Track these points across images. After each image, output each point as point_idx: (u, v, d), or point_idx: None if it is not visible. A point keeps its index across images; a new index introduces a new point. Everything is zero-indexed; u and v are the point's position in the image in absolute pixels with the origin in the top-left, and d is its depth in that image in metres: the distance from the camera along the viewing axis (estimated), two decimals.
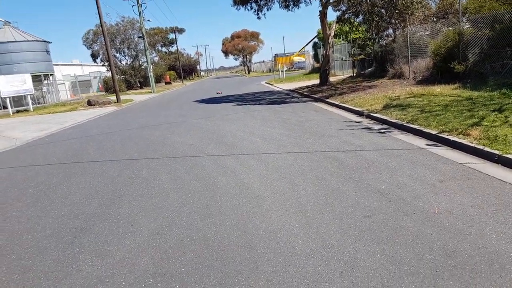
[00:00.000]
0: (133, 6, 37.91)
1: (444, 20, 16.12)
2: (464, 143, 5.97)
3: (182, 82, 61.33)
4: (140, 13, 36.67)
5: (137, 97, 31.02)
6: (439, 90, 11.61)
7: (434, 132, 6.86)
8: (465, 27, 13.40)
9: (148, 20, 59.67)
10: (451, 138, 6.33)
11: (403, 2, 13.99)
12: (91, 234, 4.24)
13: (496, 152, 5.27)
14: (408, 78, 15.83)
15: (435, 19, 16.99)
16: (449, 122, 7.16)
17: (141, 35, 38.92)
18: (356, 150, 6.61)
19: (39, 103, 29.84)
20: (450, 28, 14.41)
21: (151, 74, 37.31)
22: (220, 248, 3.57)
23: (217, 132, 10.03)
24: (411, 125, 7.67)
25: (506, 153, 5.13)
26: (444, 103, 9.19)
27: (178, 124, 12.46)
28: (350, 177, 5.21)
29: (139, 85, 47.25)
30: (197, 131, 10.65)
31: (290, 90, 21.71)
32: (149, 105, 23.13)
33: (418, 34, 17.08)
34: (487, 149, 5.47)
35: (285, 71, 41.02)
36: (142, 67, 47.36)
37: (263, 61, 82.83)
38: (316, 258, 3.21)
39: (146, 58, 38.04)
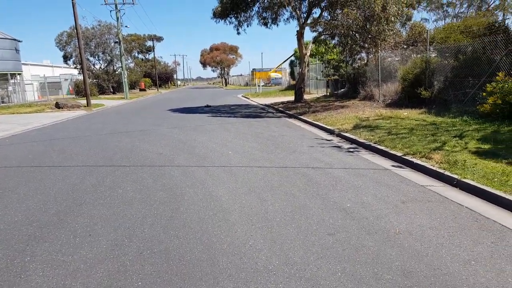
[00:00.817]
0: (111, 11, 37.43)
1: (413, 47, 16.83)
2: (426, 166, 6.17)
3: (157, 90, 60.65)
4: (118, 18, 36.27)
5: (109, 102, 30.38)
6: (406, 113, 12.02)
7: (399, 154, 7.07)
8: (432, 55, 14.02)
9: (126, 26, 58.80)
10: (415, 160, 6.53)
11: (376, 28, 14.50)
12: (45, 243, 4.06)
13: (455, 176, 5.47)
14: (378, 101, 16.32)
15: (405, 46, 17.70)
16: (414, 145, 7.39)
17: (117, 40, 38.40)
18: (325, 168, 6.70)
19: (3, 102, 28.72)
20: (419, 56, 15.06)
21: (125, 80, 36.75)
22: (181, 262, 3.50)
23: (189, 143, 9.94)
24: (378, 146, 7.87)
25: (464, 177, 5.34)
26: (410, 127, 9.52)
27: (149, 132, 12.27)
28: (317, 194, 5.26)
29: (112, 90, 46.38)
30: (168, 140, 10.51)
31: (265, 105, 21.89)
32: (121, 111, 22.70)
33: (389, 59, 17.73)
34: (447, 173, 5.68)
35: (262, 86, 41.43)
36: (117, 72, 46.58)
37: (241, 75, 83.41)
38: (278, 275, 3.20)
39: (121, 64, 37.51)
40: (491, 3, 25.87)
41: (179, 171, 6.96)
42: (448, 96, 12.55)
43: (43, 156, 9.03)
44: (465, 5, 27.25)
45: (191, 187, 5.87)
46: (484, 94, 9.83)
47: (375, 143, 8.15)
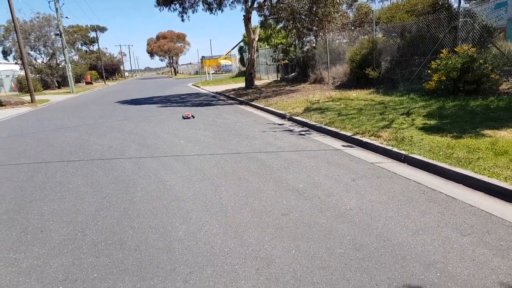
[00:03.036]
0: (49, 2, 35.11)
1: (360, 28, 17.29)
2: (375, 144, 6.44)
3: (104, 83, 58.21)
4: (57, 9, 34.09)
5: (54, 97, 28.78)
6: (355, 94, 12.42)
7: (349, 134, 7.31)
8: (379, 35, 14.48)
9: (66, 17, 55.83)
10: (364, 139, 6.79)
11: (323, 10, 14.73)
12: None
13: (403, 152, 5.75)
14: (328, 83, 16.71)
15: (352, 28, 18.17)
16: (363, 125, 7.68)
17: (58, 32, 36.21)
18: (278, 151, 6.81)
19: None
20: (366, 37, 15.49)
21: (70, 74, 34.87)
22: (137, 251, 3.45)
23: (140, 134, 9.68)
24: (329, 127, 8.09)
25: (412, 153, 5.63)
26: (359, 107, 9.86)
27: (97, 126, 11.81)
28: (270, 177, 5.35)
29: (57, 85, 43.84)
30: (118, 132, 10.18)
31: (216, 93, 21.72)
32: (68, 105, 21.63)
33: (337, 41, 18.13)
34: (395, 149, 5.95)
35: (212, 73, 40.95)
36: (60, 66, 44.04)
37: (190, 63, 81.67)
38: (234, 256, 3.24)
39: (65, 57, 35.47)
40: None
41: (130, 162, 6.79)
42: (395, 75, 13.08)
43: None
44: None
45: (144, 178, 5.76)
46: (429, 71, 10.29)
47: (325, 125, 8.36)
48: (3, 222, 4.40)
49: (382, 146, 6.26)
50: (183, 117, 11.69)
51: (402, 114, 8.28)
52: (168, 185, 5.32)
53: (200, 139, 8.41)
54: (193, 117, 11.55)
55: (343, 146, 6.96)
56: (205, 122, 10.93)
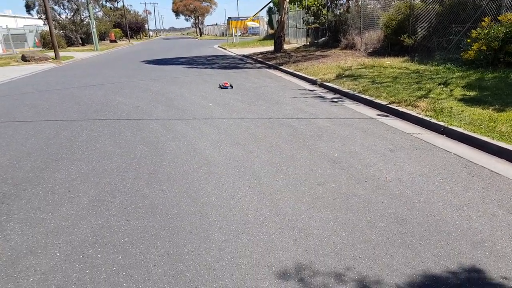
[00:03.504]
0: None
1: None
2: (412, 114, 6.10)
3: (129, 41, 58.06)
4: None
5: (78, 54, 28.87)
6: (388, 62, 11.85)
7: (384, 102, 6.97)
8: (417, 1, 13.63)
9: None
10: (400, 109, 6.45)
11: None
12: (22, 201, 3.83)
13: (442, 123, 5.43)
14: (360, 50, 16.03)
15: None
16: (399, 94, 7.30)
17: None
18: (310, 118, 6.56)
19: None
20: (402, 1, 14.62)
21: (94, 31, 34.78)
22: (168, 216, 3.36)
23: (167, 95, 9.56)
24: (363, 95, 7.74)
25: (451, 124, 5.31)
26: (394, 75, 9.39)
27: (123, 85, 11.74)
28: (304, 145, 5.15)
29: (80, 41, 43.92)
30: (144, 92, 10.08)
31: (243, 56, 21.25)
32: (92, 63, 21.66)
33: (371, 6, 17.20)
34: (433, 120, 5.63)
35: (239, 36, 40.06)
36: (84, 22, 43.89)
37: (216, 24, 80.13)
38: (270, 226, 3.12)
39: (89, 13, 35.26)
40: None
41: (158, 124, 6.69)
42: (432, 44, 12.36)
43: (12, 111, 8.52)
44: None
45: (173, 140, 5.65)
46: (468, 40, 9.66)
47: (359, 93, 8.01)
48: (29, 180, 4.38)
49: (420, 116, 5.93)
50: (220, 87, 10.29)
51: (439, 84, 7.83)
52: (198, 149, 5.20)
53: (229, 103, 8.22)
54: (232, 87, 10.19)
55: (378, 115, 6.65)
56: (233, 85, 10.69)
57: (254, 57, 19.02)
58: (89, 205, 3.67)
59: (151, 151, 5.19)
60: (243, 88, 10.07)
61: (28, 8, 42.47)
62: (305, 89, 9.62)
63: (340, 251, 2.74)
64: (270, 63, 15.59)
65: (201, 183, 4.03)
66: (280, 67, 13.97)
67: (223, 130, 6.11)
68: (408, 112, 6.23)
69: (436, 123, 5.53)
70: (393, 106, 6.69)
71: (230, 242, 2.91)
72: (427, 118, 5.77)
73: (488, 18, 9.43)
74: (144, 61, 20.50)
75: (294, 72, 12.30)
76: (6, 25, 39.78)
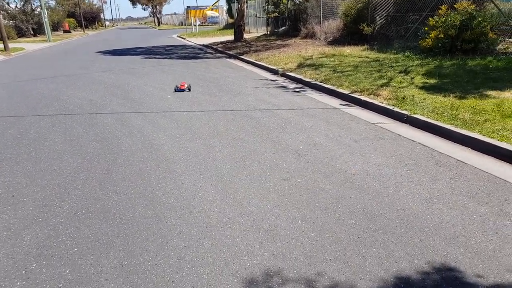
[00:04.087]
0: None
1: None
2: (375, 103, 6.07)
3: (83, 31, 55.29)
4: None
5: (29, 45, 27.09)
6: (349, 51, 11.89)
7: (346, 92, 6.91)
8: None
9: None
10: (363, 98, 6.41)
11: None
12: None
13: (405, 112, 5.42)
14: (320, 39, 16.02)
15: None
16: (360, 82, 7.27)
17: None
18: (273, 109, 6.38)
19: None
20: None
21: (46, 21, 32.74)
22: (123, 221, 3.07)
23: (123, 87, 9.06)
24: (325, 85, 7.65)
25: (414, 113, 5.30)
26: (355, 64, 9.39)
27: (77, 77, 11.06)
28: (267, 137, 4.96)
29: (32, 32, 41.27)
30: (99, 85, 9.52)
31: (203, 45, 20.73)
32: (44, 55, 20.40)
33: None
34: (396, 109, 5.61)
35: (198, 25, 39.16)
36: (36, 12, 41.22)
37: (175, 13, 77.81)
38: (234, 228, 2.91)
39: (40, 2, 33.15)
40: None
41: (113, 118, 6.28)
42: (390, 32, 12.52)
43: None
44: None
45: (129, 136, 5.29)
46: (426, 28, 9.82)
47: (321, 82, 7.92)
48: None
49: (383, 105, 5.91)
50: (175, 90, 8.25)
51: (400, 72, 7.89)
52: (156, 145, 4.89)
53: (188, 95, 7.88)
54: (189, 90, 8.22)
55: (341, 104, 6.57)
56: (193, 76, 10.31)
57: (214, 47, 18.59)
58: (34, 212, 3.30)
59: (105, 148, 4.82)
60: (204, 79, 9.73)
61: None
62: (267, 79, 9.43)
63: (310, 253, 2.57)
64: (230, 52, 15.26)
65: (159, 183, 3.75)
66: (241, 56, 13.69)
67: (183, 123, 5.80)
68: (371, 101, 6.19)
69: (399, 112, 5.51)
70: (356, 95, 6.64)
71: (191, 249, 2.67)
72: (390, 107, 5.75)
73: (444, 6, 9.61)
74: (100, 52, 19.54)
75: (255, 61, 12.06)
76: None
